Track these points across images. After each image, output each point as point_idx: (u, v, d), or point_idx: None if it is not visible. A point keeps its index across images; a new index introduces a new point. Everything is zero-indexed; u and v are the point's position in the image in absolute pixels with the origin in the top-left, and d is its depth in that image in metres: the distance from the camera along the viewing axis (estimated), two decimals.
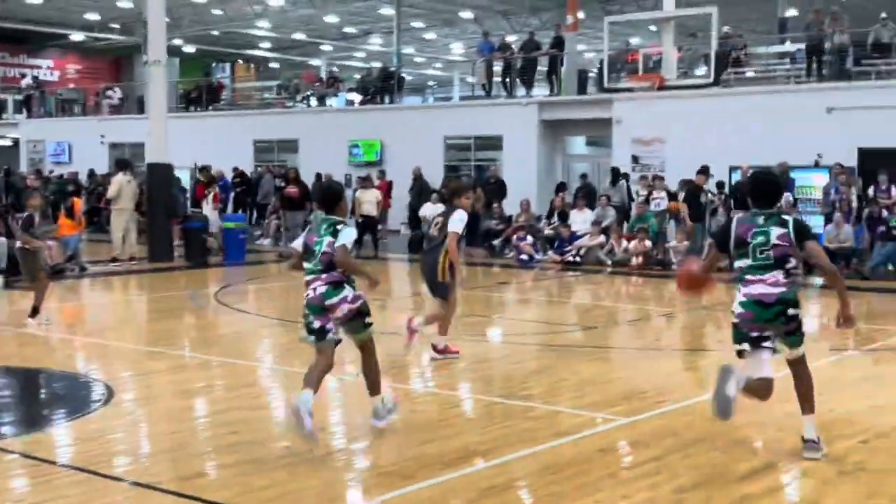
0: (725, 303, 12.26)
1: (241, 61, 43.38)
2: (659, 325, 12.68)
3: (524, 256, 19.98)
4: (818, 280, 16.26)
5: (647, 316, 13.29)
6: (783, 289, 5.96)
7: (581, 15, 32.55)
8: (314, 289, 6.59)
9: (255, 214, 26.51)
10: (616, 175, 21.90)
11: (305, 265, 6.70)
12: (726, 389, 5.86)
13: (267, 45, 53.52)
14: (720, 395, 5.89)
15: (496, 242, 21.10)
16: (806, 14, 26.09)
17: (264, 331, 11.98)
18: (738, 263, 6.10)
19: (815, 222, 18.69)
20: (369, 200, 21.56)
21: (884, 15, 22.50)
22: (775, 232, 5.96)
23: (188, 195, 25.00)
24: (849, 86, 21.09)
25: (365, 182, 22.19)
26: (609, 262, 18.99)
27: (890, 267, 17.43)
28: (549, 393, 8.15)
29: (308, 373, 6.51)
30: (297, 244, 6.88)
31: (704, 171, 19.28)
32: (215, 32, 48.24)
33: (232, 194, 26.31)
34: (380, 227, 22.97)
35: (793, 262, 6.01)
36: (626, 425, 7.04)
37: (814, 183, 19.46)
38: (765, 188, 6.32)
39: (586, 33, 45.56)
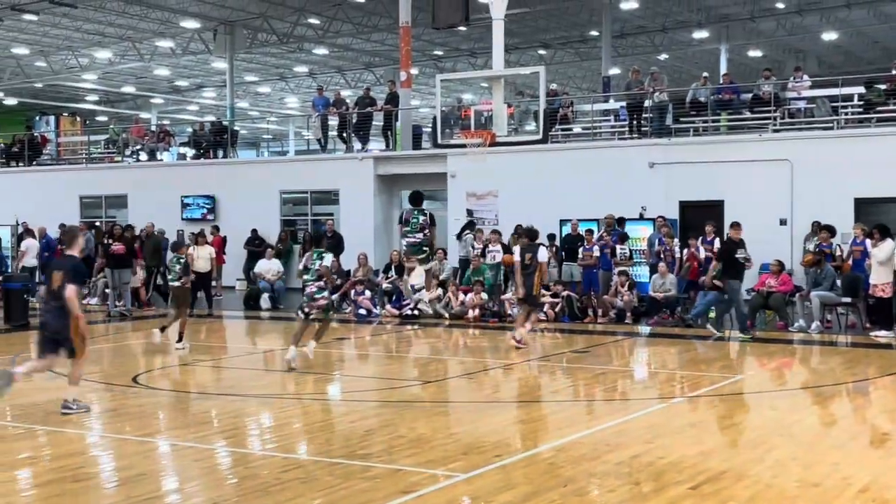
0: (556, 354, 12.48)
1: (66, 114, 41.86)
2: (496, 377, 12.83)
3: (362, 311, 19.92)
4: (645, 328, 16.86)
5: (485, 368, 13.43)
6: None
7: (415, 71, 33.11)
8: (310, 289, 12.55)
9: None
10: (463, 228, 22.17)
11: (304, 276, 12.68)
12: None
13: (94, 97, 52.03)
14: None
15: (334, 297, 20.90)
16: (627, 73, 27.35)
17: (91, 395, 11.45)
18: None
19: (641, 272, 19.49)
20: (203, 257, 21.06)
21: (706, 74, 23.82)
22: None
23: (9, 253, 23.88)
24: (669, 142, 22.16)
25: (198, 238, 21.67)
26: (447, 315, 19.15)
27: (712, 315, 18.21)
28: (389, 451, 8.08)
29: (294, 334, 12.57)
30: (301, 265, 13.02)
31: (737, 225, 16.45)
32: (39, 84, 46.54)
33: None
34: (214, 283, 22.46)
35: None
36: (465, 481, 7.05)
37: (639, 234, 20.26)
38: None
39: (420, 89, 46.46)
